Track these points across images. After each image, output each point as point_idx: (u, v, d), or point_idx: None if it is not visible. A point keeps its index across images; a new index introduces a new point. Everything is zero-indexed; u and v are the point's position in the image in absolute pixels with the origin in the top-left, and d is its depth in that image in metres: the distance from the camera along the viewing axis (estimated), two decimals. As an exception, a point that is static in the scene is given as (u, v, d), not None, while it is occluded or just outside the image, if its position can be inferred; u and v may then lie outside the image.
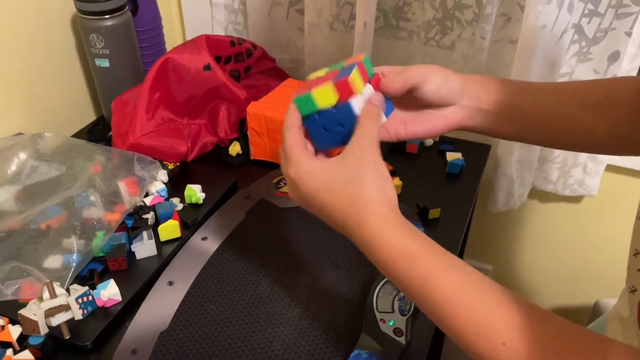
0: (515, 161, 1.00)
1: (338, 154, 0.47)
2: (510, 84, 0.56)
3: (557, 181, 1.05)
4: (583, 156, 1.00)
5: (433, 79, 0.53)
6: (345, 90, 0.47)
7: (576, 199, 1.11)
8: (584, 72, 0.94)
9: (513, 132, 0.58)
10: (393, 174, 0.84)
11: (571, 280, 1.23)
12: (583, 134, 0.56)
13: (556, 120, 0.56)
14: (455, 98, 0.55)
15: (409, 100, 0.55)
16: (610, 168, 1.02)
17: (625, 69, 0.91)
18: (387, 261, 0.43)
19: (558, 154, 1.02)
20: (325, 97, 0.48)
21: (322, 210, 0.46)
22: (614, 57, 0.90)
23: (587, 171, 1.02)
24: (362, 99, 0.49)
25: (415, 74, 0.53)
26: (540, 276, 1.27)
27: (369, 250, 0.44)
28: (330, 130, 0.49)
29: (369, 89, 0.50)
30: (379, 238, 0.43)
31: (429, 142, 0.95)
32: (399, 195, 0.75)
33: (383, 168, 0.45)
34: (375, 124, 0.47)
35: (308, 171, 0.46)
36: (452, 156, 0.89)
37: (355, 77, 0.48)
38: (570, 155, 1.01)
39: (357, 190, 0.44)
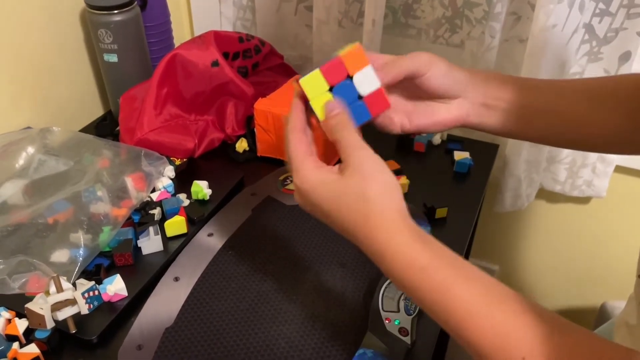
0: (524, 161, 1.00)
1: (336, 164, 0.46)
2: (513, 80, 0.56)
3: (566, 182, 1.05)
4: (592, 157, 0.99)
5: (437, 66, 0.52)
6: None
7: (584, 200, 1.10)
8: (595, 72, 0.93)
9: (518, 129, 0.57)
10: (400, 172, 0.84)
11: (578, 282, 1.22)
12: (588, 132, 0.56)
13: (559, 116, 0.55)
14: (460, 89, 0.54)
15: (412, 89, 0.54)
16: (619, 169, 1.01)
17: (636, 69, 0.90)
18: (399, 272, 0.42)
19: (567, 154, 1.01)
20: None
21: (327, 220, 0.46)
22: (625, 57, 0.89)
23: (595, 172, 1.01)
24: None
25: (414, 61, 0.52)
26: (546, 277, 1.26)
27: (379, 260, 0.43)
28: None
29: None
30: (391, 249, 0.42)
31: (437, 140, 0.95)
32: (405, 194, 0.75)
33: (385, 173, 0.44)
34: (349, 131, 0.46)
35: (312, 183, 0.45)
36: (460, 155, 0.89)
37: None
38: (579, 156, 1.00)
39: (366, 207, 0.43)
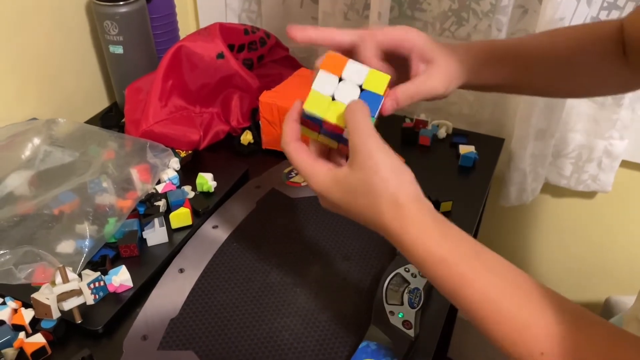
0: (529, 155, 0.99)
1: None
2: (496, 40, 0.59)
3: (571, 176, 1.04)
4: (598, 151, 0.99)
5: (417, 34, 0.53)
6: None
7: (590, 195, 1.10)
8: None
9: (513, 76, 0.58)
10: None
11: (583, 276, 1.22)
12: (577, 73, 0.58)
13: (551, 58, 0.57)
14: (442, 53, 0.54)
15: (395, 59, 0.54)
16: (625, 164, 1.01)
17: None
18: (419, 263, 0.43)
19: (573, 148, 1.01)
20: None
21: (350, 216, 0.46)
22: (633, 51, 0.89)
23: (601, 167, 1.00)
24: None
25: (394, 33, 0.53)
26: (551, 271, 1.26)
27: (400, 249, 0.44)
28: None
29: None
30: (407, 241, 0.42)
31: (442, 134, 0.94)
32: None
33: (393, 161, 0.44)
34: (364, 117, 0.45)
35: (326, 185, 0.46)
36: (465, 149, 0.89)
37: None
38: (584, 150, 1.00)
39: (375, 201, 0.43)
